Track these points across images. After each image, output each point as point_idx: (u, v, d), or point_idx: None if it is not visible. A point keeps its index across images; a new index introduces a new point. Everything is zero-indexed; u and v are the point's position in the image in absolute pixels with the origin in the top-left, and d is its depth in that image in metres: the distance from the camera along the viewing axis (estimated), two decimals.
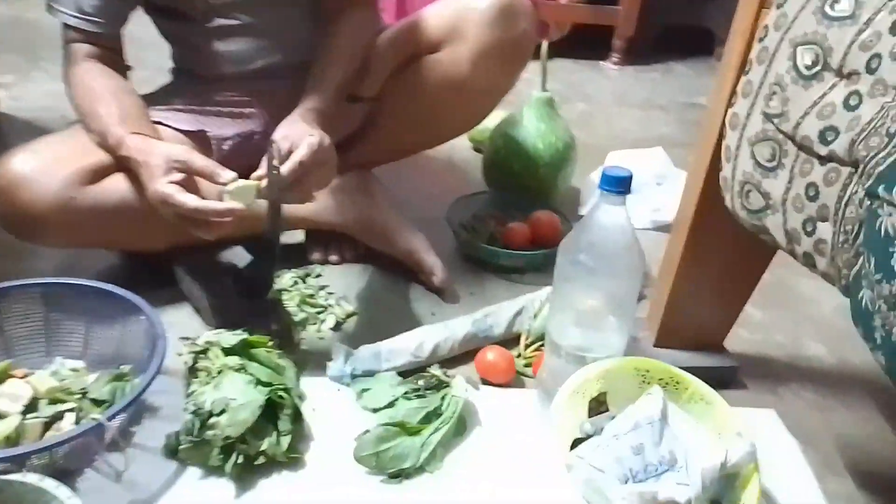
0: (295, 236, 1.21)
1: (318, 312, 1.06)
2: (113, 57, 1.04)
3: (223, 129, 1.13)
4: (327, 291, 1.11)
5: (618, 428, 0.77)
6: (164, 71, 1.23)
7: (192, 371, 0.87)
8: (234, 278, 1.00)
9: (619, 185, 0.76)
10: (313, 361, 0.96)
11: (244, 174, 1.11)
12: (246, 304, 0.96)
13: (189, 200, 0.83)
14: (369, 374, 0.93)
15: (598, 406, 0.83)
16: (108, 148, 0.94)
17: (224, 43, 1.12)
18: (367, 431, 0.82)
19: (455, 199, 1.29)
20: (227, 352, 0.86)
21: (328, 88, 1.02)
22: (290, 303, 1.06)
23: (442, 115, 1.15)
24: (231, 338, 0.87)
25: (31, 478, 0.65)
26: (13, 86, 1.72)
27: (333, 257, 1.19)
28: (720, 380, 0.99)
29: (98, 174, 0.97)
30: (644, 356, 0.92)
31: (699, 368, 0.97)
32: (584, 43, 2.32)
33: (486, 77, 1.08)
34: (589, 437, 0.79)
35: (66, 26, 1.01)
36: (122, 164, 0.94)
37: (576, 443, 0.79)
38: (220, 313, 0.96)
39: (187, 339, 0.92)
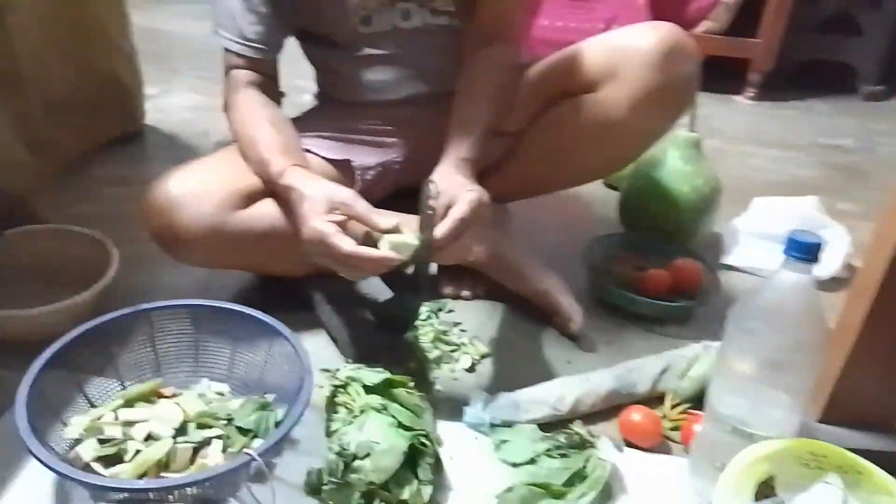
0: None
1: (452, 351, 1.03)
2: (270, 84, 1.06)
3: (366, 157, 1.13)
4: (460, 329, 1.08)
5: None
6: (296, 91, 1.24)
7: (331, 405, 0.86)
8: (373, 311, 0.99)
9: (808, 252, 0.69)
10: (447, 404, 0.94)
11: (384, 203, 1.11)
12: (385, 339, 0.95)
13: (345, 245, 0.81)
14: (507, 424, 0.89)
15: (764, 490, 0.76)
16: (267, 176, 0.95)
17: (370, 71, 1.13)
18: (511, 490, 0.78)
19: (590, 239, 1.24)
20: (369, 389, 0.85)
21: (478, 134, 0.99)
22: (425, 338, 1.04)
23: (589, 156, 1.11)
24: (373, 375, 0.86)
25: None
26: (156, 98, 1.80)
27: (466, 292, 1.16)
28: (894, 465, 0.90)
29: (249, 199, 0.98)
30: (811, 435, 0.84)
31: (870, 451, 0.89)
32: (717, 75, 2.21)
33: (645, 122, 1.03)
34: None
35: (229, 51, 1.04)
36: (278, 192, 0.94)
37: None
38: (357, 346, 0.95)
39: (327, 370, 0.92)
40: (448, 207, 0.85)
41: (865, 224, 1.53)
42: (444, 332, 1.06)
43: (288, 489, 0.79)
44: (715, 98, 2.24)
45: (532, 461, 0.84)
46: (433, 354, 1.02)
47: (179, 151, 1.53)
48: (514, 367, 1.02)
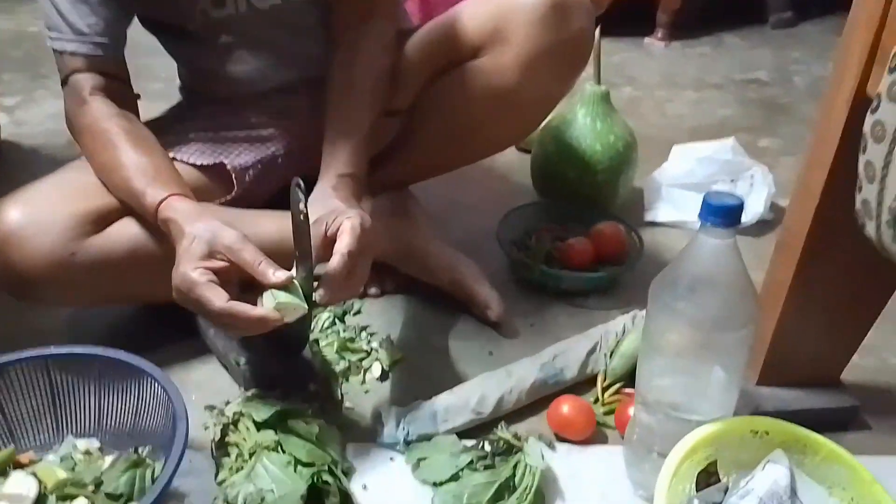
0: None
1: (361, 359, 0.93)
2: (120, 87, 0.91)
3: (243, 156, 0.99)
4: (368, 332, 0.98)
5: None
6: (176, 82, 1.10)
7: (221, 446, 0.75)
8: (263, 334, 0.87)
9: (727, 216, 0.61)
10: (360, 423, 0.84)
11: (268, 202, 0.99)
12: (279, 363, 0.84)
13: (216, 300, 0.68)
14: (425, 437, 0.80)
15: (707, 477, 0.69)
16: (140, 209, 0.81)
17: (232, 61, 0.99)
18: None
19: (505, 214, 1.15)
20: (260, 425, 0.74)
21: (358, 139, 0.88)
22: (329, 349, 0.93)
23: (485, 128, 0.99)
24: (264, 409, 0.75)
25: None
26: (16, 109, 1.61)
27: (373, 289, 1.05)
28: (839, 422, 0.84)
29: (102, 221, 0.85)
30: (751, 400, 0.78)
31: (813, 410, 0.83)
32: (625, 19, 2.13)
33: (537, 86, 0.92)
34: None
35: (64, 54, 0.88)
36: (155, 224, 0.81)
37: None
38: (251, 374, 0.84)
39: (213, 407, 0.80)
40: (327, 238, 0.74)
41: (788, 160, 1.49)
42: (351, 340, 0.95)
43: None
44: (625, 43, 2.17)
45: (455, 477, 0.74)
46: (340, 366, 0.91)
47: (42, 165, 1.36)
48: (431, 368, 0.92)
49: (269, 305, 0.69)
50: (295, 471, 0.69)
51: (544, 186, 1.25)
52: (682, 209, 1.25)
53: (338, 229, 0.74)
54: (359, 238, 0.73)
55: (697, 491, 0.67)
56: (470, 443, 0.78)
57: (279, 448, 0.71)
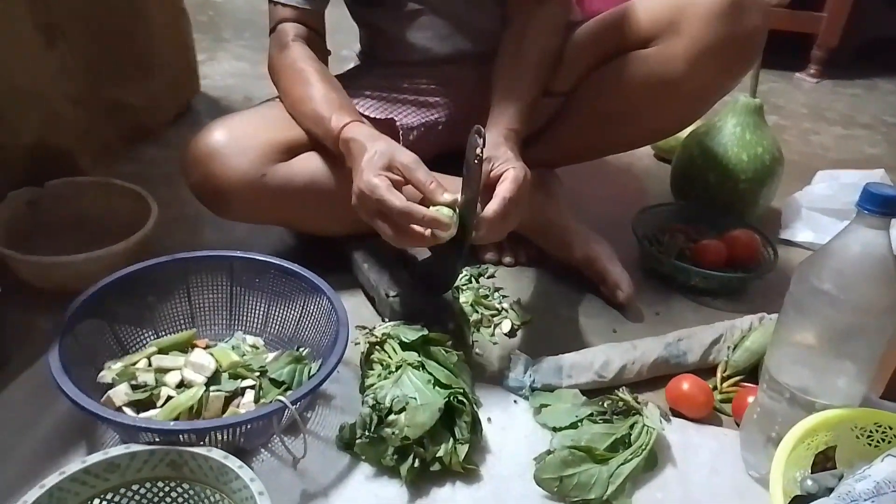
0: None
1: (493, 315, 1.00)
2: (317, 40, 1.04)
3: (410, 117, 1.10)
4: (501, 294, 1.05)
5: (853, 491, 0.64)
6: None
7: (367, 362, 0.84)
8: (412, 271, 0.96)
9: (885, 205, 0.64)
10: (487, 367, 0.90)
11: (427, 162, 1.08)
12: (424, 299, 0.92)
13: (397, 199, 0.76)
14: (548, 388, 0.86)
15: (823, 461, 0.71)
16: (324, 131, 0.91)
17: (414, 28, 1.09)
18: (551, 452, 0.75)
19: (641, 209, 1.19)
20: (406, 346, 0.82)
21: (525, 103, 0.95)
22: (465, 301, 1.00)
23: (642, 116, 1.04)
24: (410, 332, 0.83)
25: (216, 453, 0.62)
26: (202, 65, 1.80)
27: (507, 259, 1.12)
28: None
29: (290, 152, 0.96)
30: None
31: None
32: (779, 50, 2.12)
33: (704, 79, 0.97)
34: (810, 496, 0.68)
35: (276, 3, 1.01)
36: (334, 147, 0.91)
37: (794, 501, 0.67)
38: (396, 306, 0.92)
39: (364, 328, 0.89)
40: (492, 178, 0.81)
41: None
42: (485, 297, 1.03)
43: (320, 443, 0.77)
44: (775, 75, 2.15)
45: (573, 426, 0.80)
46: (473, 318, 0.98)
47: (221, 115, 1.52)
48: (556, 334, 0.98)
49: (442, 210, 0.77)
50: (434, 389, 0.76)
51: (683, 190, 1.28)
52: (819, 232, 1.24)
53: (501, 175, 0.81)
54: (519, 187, 0.80)
55: (813, 472, 0.69)
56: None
57: (422, 367, 0.79)
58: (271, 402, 0.72)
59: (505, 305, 1.01)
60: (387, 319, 0.93)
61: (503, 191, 0.80)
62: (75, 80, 1.14)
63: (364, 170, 0.80)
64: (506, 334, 0.97)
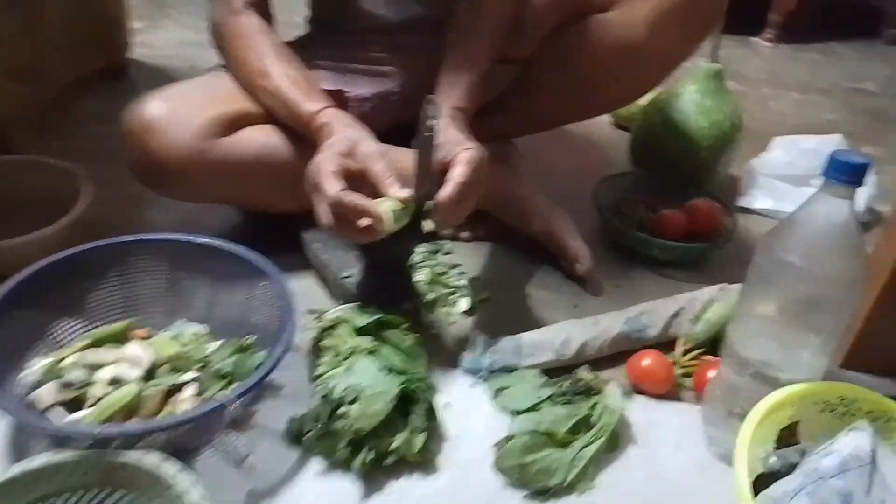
0: None
1: (450, 294, 0.96)
2: (264, 5, 0.97)
3: (361, 88, 1.04)
4: (458, 271, 1.01)
5: (820, 468, 0.63)
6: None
7: (317, 348, 0.80)
8: (365, 250, 0.91)
9: (850, 173, 0.61)
10: (443, 349, 0.87)
11: (379, 137, 1.03)
12: (378, 279, 0.88)
13: (330, 186, 0.71)
14: (508, 369, 0.83)
15: (788, 436, 0.69)
16: (290, 113, 0.87)
17: None
18: (511, 438, 0.72)
19: (600, 179, 1.16)
20: (359, 331, 0.78)
21: (475, 78, 0.91)
22: (421, 280, 0.96)
23: (604, 84, 1.01)
24: (363, 316, 0.79)
25: (150, 459, 0.58)
26: (142, 32, 1.70)
27: (465, 233, 1.09)
28: None
29: (233, 125, 0.90)
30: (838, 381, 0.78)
31: None
32: (735, 15, 2.10)
33: (665, 43, 0.93)
34: (775, 473, 0.66)
35: None
36: (303, 131, 0.86)
37: (759, 479, 0.66)
38: (348, 287, 0.88)
39: (314, 311, 0.85)
40: (443, 164, 0.77)
41: (891, 168, 1.45)
42: (442, 274, 0.98)
43: (269, 438, 0.73)
44: (732, 40, 2.13)
45: (534, 408, 0.77)
46: (429, 297, 0.94)
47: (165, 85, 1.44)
48: (515, 311, 0.95)
49: (382, 208, 0.72)
50: (388, 376, 0.73)
51: (643, 158, 1.25)
52: (777, 199, 1.23)
53: (452, 159, 0.77)
54: (474, 169, 0.76)
55: (777, 449, 0.68)
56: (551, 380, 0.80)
57: (375, 353, 0.75)
58: (212, 397, 0.67)
59: (462, 283, 0.98)
60: (341, 302, 0.89)
61: (457, 175, 0.75)
62: (8, 49, 1.06)
63: (321, 151, 0.76)
64: (463, 313, 0.93)
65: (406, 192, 0.74)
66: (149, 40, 1.61)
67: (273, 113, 0.90)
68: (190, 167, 0.87)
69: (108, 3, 1.35)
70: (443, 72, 0.92)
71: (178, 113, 0.87)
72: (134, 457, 0.58)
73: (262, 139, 0.91)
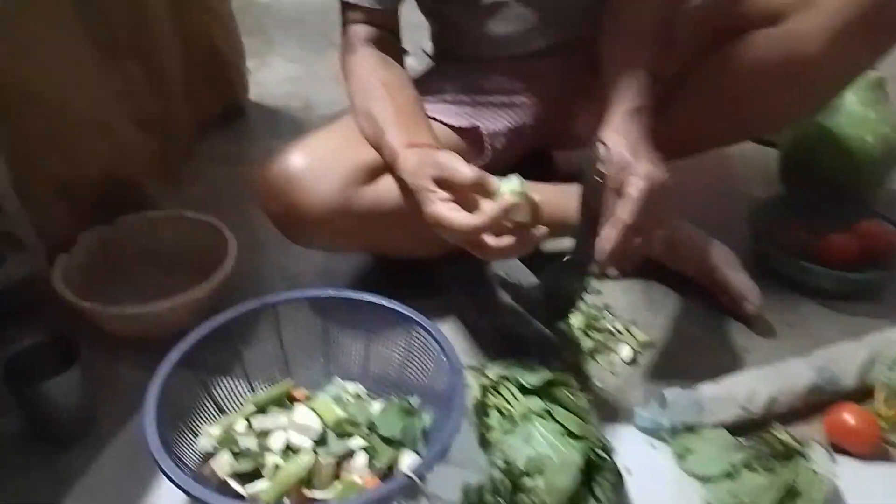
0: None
1: (607, 340, 0.90)
2: (391, 40, 0.94)
3: (495, 122, 0.99)
4: (612, 313, 0.95)
5: None
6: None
7: (482, 407, 0.75)
8: (517, 295, 0.87)
9: None
10: (609, 405, 0.81)
11: (509, 168, 0.98)
12: (532, 328, 0.83)
13: (458, 219, 0.69)
14: (688, 427, 0.76)
15: None
16: (383, 159, 0.84)
17: (493, 22, 0.98)
18: None
19: (754, 202, 1.07)
20: (526, 391, 0.73)
21: (646, 75, 0.83)
22: (574, 326, 0.91)
23: (771, 101, 0.92)
24: (531, 374, 0.74)
25: None
26: (254, 72, 1.71)
27: (612, 271, 1.02)
28: None
29: (373, 173, 0.87)
30: None
31: None
32: None
33: (843, 57, 0.84)
34: None
35: (346, 5, 0.92)
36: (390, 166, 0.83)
37: None
38: (500, 337, 0.83)
39: (474, 368, 0.80)
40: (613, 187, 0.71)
41: None
42: (595, 318, 0.93)
43: None
44: None
45: (728, 475, 0.70)
46: (586, 345, 0.89)
47: (284, 126, 1.44)
48: (682, 356, 0.88)
49: (503, 190, 0.69)
50: (568, 442, 0.67)
51: (794, 176, 1.16)
52: None
53: (621, 185, 0.71)
54: (644, 204, 0.70)
55: None
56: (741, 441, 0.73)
57: (548, 416, 0.70)
58: (387, 465, 0.64)
59: (619, 327, 0.92)
60: (489, 354, 0.84)
61: (622, 213, 0.69)
62: (140, 101, 1.07)
63: (424, 204, 0.74)
64: (626, 362, 0.87)
65: (516, 177, 0.70)
66: (260, 79, 1.61)
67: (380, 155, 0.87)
68: (334, 218, 0.85)
69: (224, 46, 1.35)
70: (610, 78, 0.85)
71: (320, 165, 0.85)
72: None
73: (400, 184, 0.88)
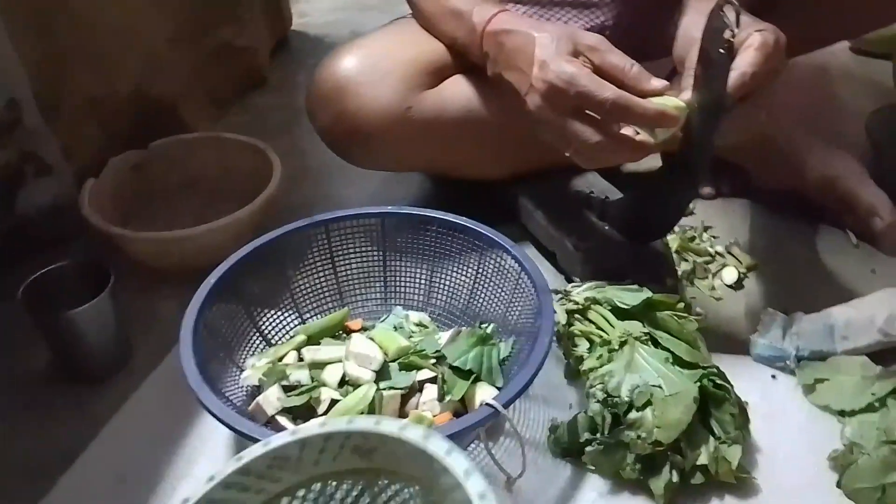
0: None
1: (707, 262, 0.78)
2: None
3: (571, 23, 0.86)
4: (711, 234, 0.82)
5: None
6: None
7: (568, 336, 0.64)
8: (605, 214, 0.75)
9: None
10: (717, 331, 0.69)
11: None
12: (626, 248, 0.71)
13: (608, 89, 0.56)
14: (817, 356, 0.64)
15: None
16: (467, 30, 0.71)
17: None
18: (852, 450, 0.53)
19: (876, 109, 0.92)
20: (622, 314, 0.62)
21: None
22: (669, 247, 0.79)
23: None
24: (627, 294, 0.62)
25: (412, 433, 0.41)
26: (297, 2, 1.62)
27: (707, 190, 0.89)
28: None
29: (437, 75, 0.76)
30: None
31: None
32: None
33: None
34: None
35: None
36: (479, 52, 0.70)
37: None
38: (587, 260, 0.72)
39: (557, 292, 0.69)
40: (730, 47, 0.58)
41: None
42: (692, 239, 0.80)
43: (528, 449, 0.58)
44: None
45: (871, 408, 0.58)
46: (682, 268, 0.77)
47: (327, 55, 1.34)
48: (794, 280, 0.76)
49: (661, 101, 0.57)
50: (679, 371, 0.56)
51: None
52: None
53: (742, 42, 0.58)
54: (767, 57, 0.57)
55: None
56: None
57: (651, 342, 0.59)
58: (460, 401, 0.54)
59: (720, 249, 0.79)
60: (575, 279, 0.73)
61: (743, 62, 0.56)
62: (174, 18, 0.97)
63: (548, 60, 0.59)
64: (730, 286, 0.75)
65: (661, 82, 0.58)
66: (305, 9, 1.51)
67: (455, 47, 0.75)
68: (391, 128, 0.74)
69: None
70: None
71: (376, 66, 0.74)
72: (393, 431, 0.42)
73: (467, 91, 0.76)
